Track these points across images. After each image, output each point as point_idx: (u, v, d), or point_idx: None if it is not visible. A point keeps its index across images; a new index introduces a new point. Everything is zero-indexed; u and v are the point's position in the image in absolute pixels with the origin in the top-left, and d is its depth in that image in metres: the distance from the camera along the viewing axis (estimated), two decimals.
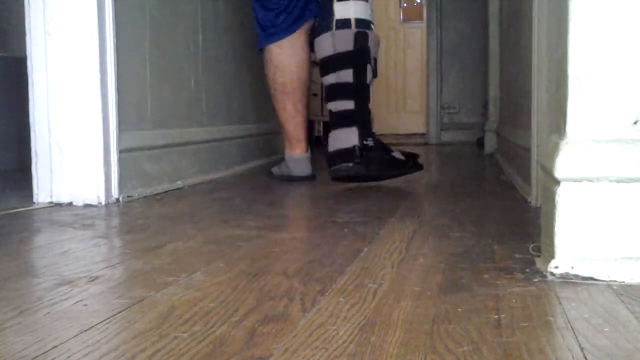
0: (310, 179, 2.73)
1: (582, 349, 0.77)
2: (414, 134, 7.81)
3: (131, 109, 2.24)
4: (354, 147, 2.39)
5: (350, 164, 2.39)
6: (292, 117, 2.70)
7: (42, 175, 2.07)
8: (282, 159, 2.85)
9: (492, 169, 3.26)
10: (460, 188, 2.53)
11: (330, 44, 2.46)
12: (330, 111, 2.50)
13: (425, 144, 5.96)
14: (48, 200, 2.06)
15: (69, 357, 0.76)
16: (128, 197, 2.14)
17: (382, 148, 2.45)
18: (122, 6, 2.15)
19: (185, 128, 2.68)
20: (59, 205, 2.04)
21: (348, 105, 2.44)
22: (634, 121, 1.08)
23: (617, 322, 0.87)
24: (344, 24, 2.45)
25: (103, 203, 2.03)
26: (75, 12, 2.02)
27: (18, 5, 2.34)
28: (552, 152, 1.12)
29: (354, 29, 2.44)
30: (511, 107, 3.09)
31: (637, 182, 1.07)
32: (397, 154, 2.48)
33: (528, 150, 2.03)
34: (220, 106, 3.11)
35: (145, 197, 2.22)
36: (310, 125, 5.33)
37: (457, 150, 4.86)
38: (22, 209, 1.95)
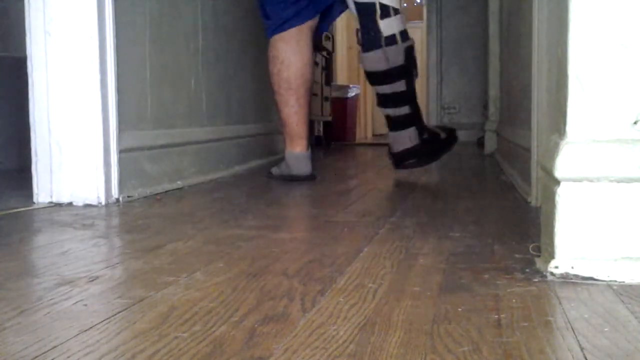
0: (309, 178, 2.77)
1: (582, 349, 0.77)
2: None
3: (131, 109, 2.24)
4: (415, 145, 2.76)
5: (415, 160, 2.80)
6: (295, 113, 2.75)
7: (42, 175, 2.07)
8: (282, 159, 2.85)
9: (492, 169, 3.26)
10: (460, 188, 2.53)
11: (383, 59, 2.69)
12: (388, 116, 2.78)
13: None
14: (48, 200, 2.06)
15: (69, 357, 0.76)
16: (128, 197, 2.14)
17: (433, 135, 2.80)
18: (122, 6, 2.15)
19: (185, 128, 2.68)
20: (59, 205, 2.04)
21: (404, 110, 2.74)
22: (634, 121, 1.08)
23: (617, 322, 0.87)
24: (392, 40, 2.67)
25: (103, 203, 2.03)
26: (75, 12, 2.02)
27: (18, 6, 2.34)
28: (552, 152, 1.12)
29: (400, 44, 2.68)
30: (511, 107, 3.09)
31: (637, 182, 1.07)
32: (442, 135, 2.84)
33: (528, 150, 2.03)
34: (220, 106, 3.11)
35: (145, 197, 2.22)
36: (310, 125, 5.32)
37: (457, 150, 4.85)
38: (22, 209, 1.95)
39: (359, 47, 2.76)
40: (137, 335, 0.83)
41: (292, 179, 2.75)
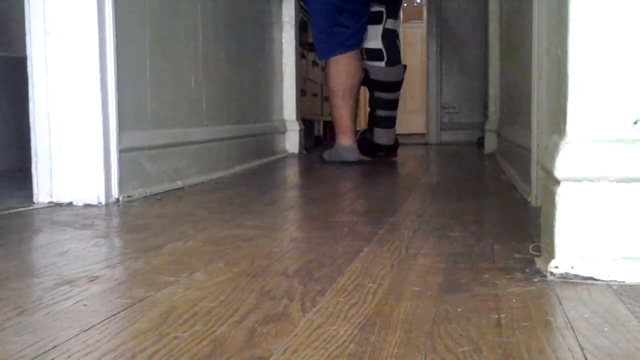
0: (357, 162, 3.58)
1: (582, 349, 0.77)
2: (414, 134, 7.81)
3: (131, 109, 2.24)
4: (395, 144, 3.77)
5: (384, 154, 3.71)
6: (349, 114, 3.62)
7: (42, 175, 2.07)
8: (331, 147, 3.72)
9: (492, 169, 3.26)
10: (461, 188, 2.53)
11: (391, 74, 3.67)
12: (381, 117, 3.69)
13: (425, 143, 5.96)
14: (48, 200, 2.06)
15: (69, 357, 0.76)
16: (128, 197, 2.14)
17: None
18: (122, 6, 2.15)
19: (185, 128, 2.68)
20: (59, 205, 2.04)
21: (395, 113, 3.76)
22: (634, 121, 1.08)
23: (617, 322, 0.87)
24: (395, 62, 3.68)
25: (103, 203, 2.03)
26: (75, 12, 2.02)
27: (18, 6, 2.34)
28: (552, 152, 1.12)
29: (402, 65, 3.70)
30: (511, 107, 3.09)
31: (637, 182, 1.07)
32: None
33: (528, 150, 2.03)
34: (220, 106, 3.11)
35: (145, 197, 2.22)
36: (310, 125, 5.33)
37: (457, 150, 4.85)
38: (22, 209, 1.95)
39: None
40: (137, 335, 0.83)
41: (345, 163, 3.56)
